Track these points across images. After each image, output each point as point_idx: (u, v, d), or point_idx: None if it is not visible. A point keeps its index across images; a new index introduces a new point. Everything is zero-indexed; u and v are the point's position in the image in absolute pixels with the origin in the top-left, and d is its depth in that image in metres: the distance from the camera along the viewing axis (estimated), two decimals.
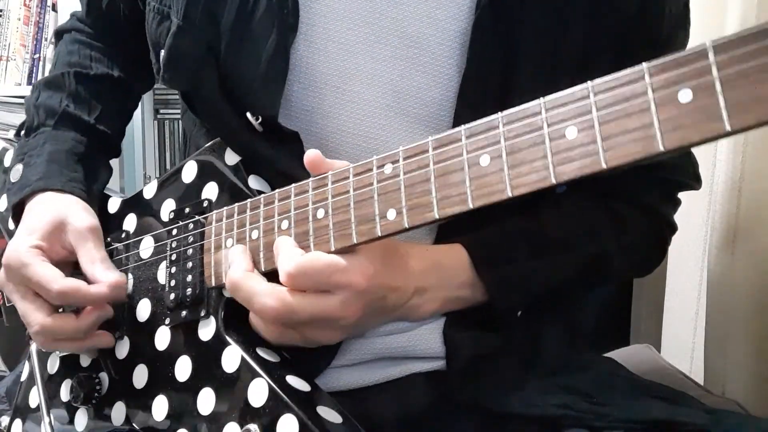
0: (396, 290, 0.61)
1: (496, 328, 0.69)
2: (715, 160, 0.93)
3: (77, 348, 0.73)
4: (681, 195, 0.81)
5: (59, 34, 0.94)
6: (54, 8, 2.00)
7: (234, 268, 0.61)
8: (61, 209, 0.73)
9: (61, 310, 0.72)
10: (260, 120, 0.66)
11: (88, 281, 0.70)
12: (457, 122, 0.65)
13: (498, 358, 0.69)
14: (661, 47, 0.67)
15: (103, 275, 0.69)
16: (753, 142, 0.87)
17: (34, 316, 0.70)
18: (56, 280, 0.68)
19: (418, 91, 0.66)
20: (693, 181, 0.80)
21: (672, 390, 0.68)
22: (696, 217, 0.99)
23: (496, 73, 0.65)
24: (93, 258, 0.71)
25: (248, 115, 0.66)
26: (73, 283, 0.68)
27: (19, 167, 0.79)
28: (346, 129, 0.67)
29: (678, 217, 0.80)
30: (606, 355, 0.78)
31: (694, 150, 0.95)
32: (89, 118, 0.84)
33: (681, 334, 1.04)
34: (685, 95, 0.40)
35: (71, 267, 0.73)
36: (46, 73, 0.97)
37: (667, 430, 0.61)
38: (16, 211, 0.77)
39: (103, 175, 0.84)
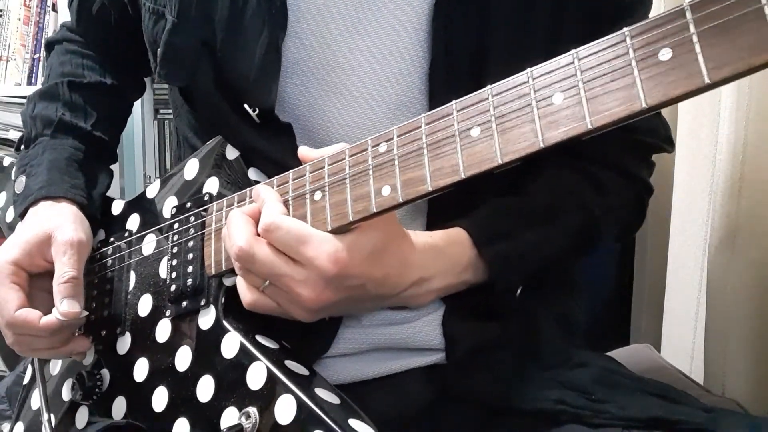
0: (382, 281, 0.61)
1: (496, 317, 0.69)
2: (715, 160, 0.94)
3: (54, 354, 0.75)
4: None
5: (50, 45, 0.95)
6: (54, 8, 2.01)
7: (236, 210, 0.63)
8: (52, 222, 0.74)
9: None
10: (257, 111, 0.68)
11: None
12: (432, 105, 0.67)
13: (496, 351, 0.69)
14: (628, 13, 0.69)
15: (58, 303, 0.70)
16: (753, 142, 0.87)
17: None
18: (10, 309, 0.70)
19: (396, 77, 0.68)
20: (666, 143, 0.81)
21: (670, 388, 0.68)
22: (696, 217, 0.99)
23: (465, 55, 0.66)
24: (61, 277, 0.71)
25: (246, 106, 0.68)
26: (24, 316, 0.70)
27: (23, 179, 0.80)
28: (332, 120, 0.69)
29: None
30: (606, 354, 0.77)
31: (701, 157, 0.96)
32: (86, 125, 0.85)
33: (681, 334, 1.04)
34: (665, 53, 0.42)
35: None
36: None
37: (665, 428, 0.61)
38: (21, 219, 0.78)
39: (103, 181, 0.85)
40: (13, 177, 0.83)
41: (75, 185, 0.78)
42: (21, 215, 0.78)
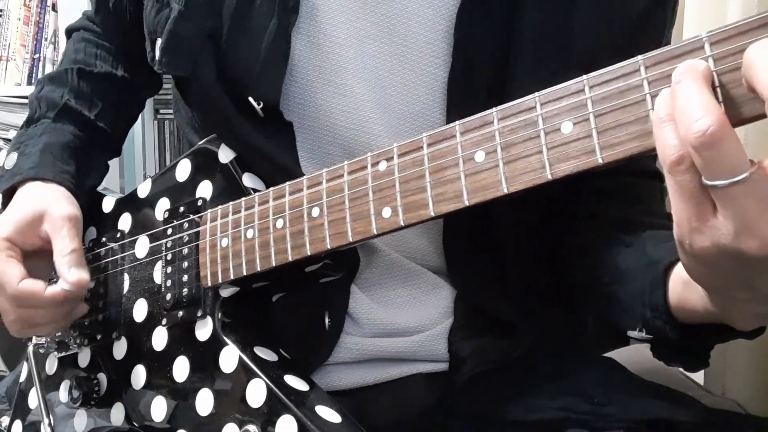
0: None
1: (505, 334, 0.69)
2: None
3: (56, 328, 0.74)
4: None
5: (69, 32, 0.94)
6: (54, 8, 2.00)
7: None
8: (42, 200, 0.73)
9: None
10: (261, 105, 0.66)
11: None
12: (450, 119, 0.64)
13: (501, 372, 0.68)
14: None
15: (66, 273, 0.69)
16: (753, 143, 0.86)
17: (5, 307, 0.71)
18: (13, 282, 0.69)
19: (404, 87, 0.67)
20: None
21: (672, 390, 0.67)
22: None
23: (486, 73, 0.64)
24: (63, 250, 0.70)
25: (250, 99, 0.66)
26: (29, 287, 0.69)
27: (14, 156, 0.80)
28: (338, 122, 0.67)
29: None
30: (606, 355, 0.77)
31: None
32: (89, 114, 0.84)
33: None
34: None
35: (49, 255, 0.72)
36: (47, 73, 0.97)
37: (666, 429, 0.61)
38: (6, 197, 0.78)
39: (96, 172, 0.84)
40: (5, 152, 0.83)
41: (65, 171, 0.78)
42: (4, 193, 0.77)
